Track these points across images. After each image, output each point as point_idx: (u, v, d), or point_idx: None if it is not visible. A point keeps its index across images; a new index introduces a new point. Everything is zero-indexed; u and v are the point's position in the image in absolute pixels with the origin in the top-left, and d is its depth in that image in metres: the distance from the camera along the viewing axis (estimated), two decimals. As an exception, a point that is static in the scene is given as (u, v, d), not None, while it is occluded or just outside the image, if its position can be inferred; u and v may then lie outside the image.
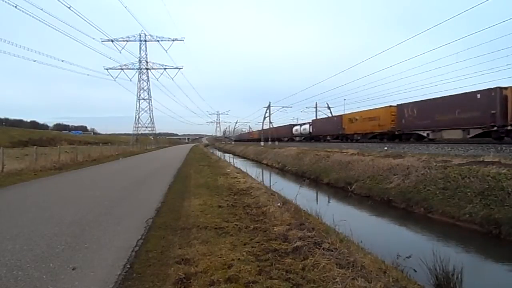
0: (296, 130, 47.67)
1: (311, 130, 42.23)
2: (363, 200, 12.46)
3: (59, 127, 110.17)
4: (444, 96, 19.97)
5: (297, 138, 47.39)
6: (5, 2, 27.61)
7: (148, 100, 67.92)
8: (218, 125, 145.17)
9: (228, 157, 39.23)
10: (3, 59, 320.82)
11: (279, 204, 7.11)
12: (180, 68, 65.30)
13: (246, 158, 40.88)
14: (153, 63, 66.03)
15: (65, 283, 3.23)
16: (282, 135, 53.37)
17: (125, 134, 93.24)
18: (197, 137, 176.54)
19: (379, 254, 5.04)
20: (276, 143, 49.15)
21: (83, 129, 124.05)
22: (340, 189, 14.74)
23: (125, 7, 69.73)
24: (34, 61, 52.57)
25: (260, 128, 65.36)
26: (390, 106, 25.59)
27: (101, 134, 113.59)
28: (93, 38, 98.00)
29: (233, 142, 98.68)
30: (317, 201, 12.72)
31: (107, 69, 62.05)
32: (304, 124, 46.83)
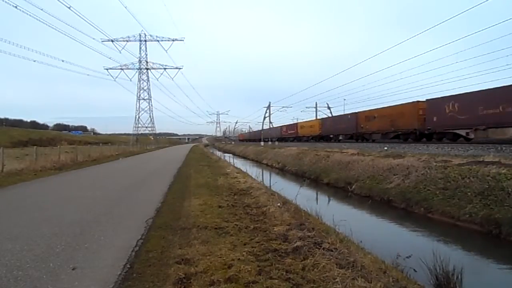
0: None
1: None
2: (363, 200, 12.45)
3: (59, 127, 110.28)
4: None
5: None
6: (5, 2, 27.65)
7: (148, 100, 68.10)
8: (218, 125, 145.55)
9: (228, 157, 39.22)
10: (3, 59, 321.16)
11: (279, 204, 7.10)
12: (180, 68, 65.56)
13: (246, 158, 40.86)
14: (153, 63, 66.24)
15: (65, 283, 3.23)
16: (452, 125, 19.05)
17: (125, 134, 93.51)
18: (197, 137, 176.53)
19: (379, 254, 5.04)
20: (276, 143, 49.04)
21: (83, 129, 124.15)
22: (340, 189, 14.73)
23: (125, 7, 70.01)
24: (34, 61, 52.70)
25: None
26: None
27: (101, 134, 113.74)
28: (93, 38, 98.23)
29: (233, 143, 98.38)
30: (317, 201, 12.71)
31: (107, 69, 62.32)
32: None
